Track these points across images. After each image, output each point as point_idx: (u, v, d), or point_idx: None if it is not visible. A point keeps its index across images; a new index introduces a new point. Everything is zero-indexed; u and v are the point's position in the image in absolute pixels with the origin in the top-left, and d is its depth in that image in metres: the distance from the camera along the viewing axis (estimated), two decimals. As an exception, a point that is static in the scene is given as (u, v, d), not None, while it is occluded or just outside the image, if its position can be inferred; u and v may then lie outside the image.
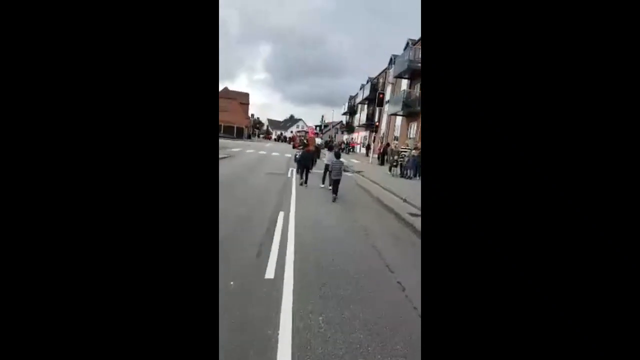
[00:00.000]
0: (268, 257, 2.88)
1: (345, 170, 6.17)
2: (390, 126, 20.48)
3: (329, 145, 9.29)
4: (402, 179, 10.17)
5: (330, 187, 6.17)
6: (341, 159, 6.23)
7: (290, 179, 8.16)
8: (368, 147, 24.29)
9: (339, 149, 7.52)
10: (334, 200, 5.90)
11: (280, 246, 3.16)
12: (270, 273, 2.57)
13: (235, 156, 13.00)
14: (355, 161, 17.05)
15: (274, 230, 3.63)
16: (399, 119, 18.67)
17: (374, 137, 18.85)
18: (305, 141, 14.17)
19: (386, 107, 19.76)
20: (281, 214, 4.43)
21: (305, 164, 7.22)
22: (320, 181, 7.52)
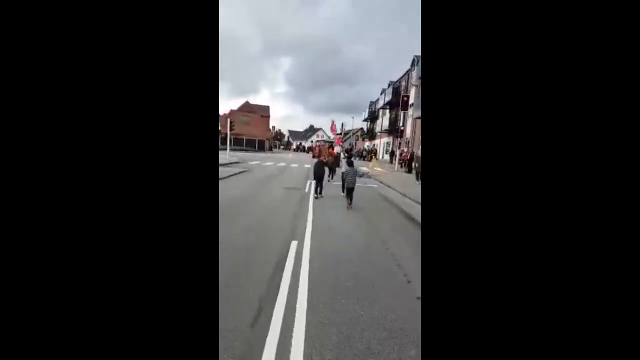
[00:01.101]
0: (268, 327, 1.97)
1: (362, 176, 6.27)
2: (417, 131, 19.11)
3: (348, 154, 8.71)
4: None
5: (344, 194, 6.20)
6: (354, 167, 6.23)
7: (307, 194, 7.29)
8: (392, 154, 23.03)
9: (350, 157, 7.22)
10: (349, 206, 5.90)
11: (286, 307, 2.23)
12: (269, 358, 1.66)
13: (252, 170, 12.44)
14: (379, 169, 15.88)
15: (281, 278, 2.71)
16: (425, 123, 17.27)
17: (399, 143, 17.57)
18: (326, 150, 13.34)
19: (410, 111, 18.49)
20: (293, 245, 3.54)
21: (318, 174, 6.83)
22: (340, 190, 6.96)
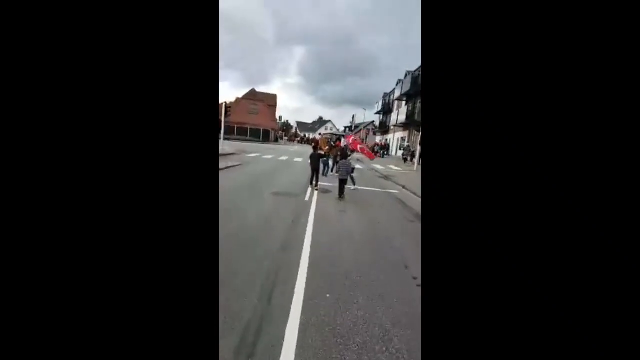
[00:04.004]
0: None
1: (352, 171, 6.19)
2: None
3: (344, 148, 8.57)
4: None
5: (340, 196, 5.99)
6: (350, 160, 6.36)
7: (309, 204, 5.17)
8: (408, 150, 20.64)
9: (346, 149, 7.60)
10: (340, 197, 5.86)
11: None
12: None
13: (246, 165, 10.37)
14: (395, 168, 13.60)
15: None
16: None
17: (420, 138, 15.16)
18: (332, 144, 11.83)
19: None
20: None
21: (313, 166, 6.81)
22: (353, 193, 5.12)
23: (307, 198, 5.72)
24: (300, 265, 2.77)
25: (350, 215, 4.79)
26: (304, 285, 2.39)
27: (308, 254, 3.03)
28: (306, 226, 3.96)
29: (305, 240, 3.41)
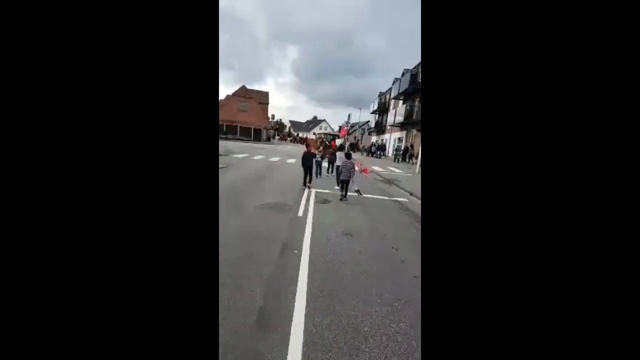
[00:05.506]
0: None
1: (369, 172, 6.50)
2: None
3: (346, 149, 8.58)
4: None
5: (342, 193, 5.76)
6: (352, 160, 5.96)
7: (303, 223, 4.02)
8: (405, 151, 19.72)
9: (349, 150, 7.54)
10: (342, 199, 5.68)
11: None
12: None
13: (229, 167, 9.14)
14: (397, 171, 12.56)
15: None
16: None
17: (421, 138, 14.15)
18: (327, 143, 11.16)
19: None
20: None
21: (306, 165, 6.82)
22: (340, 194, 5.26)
23: (300, 213, 4.54)
24: (292, 336, 1.62)
25: (359, 240, 3.67)
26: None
27: (303, 320, 1.88)
28: (299, 267, 2.79)
29: (298, 294, 2.26)
